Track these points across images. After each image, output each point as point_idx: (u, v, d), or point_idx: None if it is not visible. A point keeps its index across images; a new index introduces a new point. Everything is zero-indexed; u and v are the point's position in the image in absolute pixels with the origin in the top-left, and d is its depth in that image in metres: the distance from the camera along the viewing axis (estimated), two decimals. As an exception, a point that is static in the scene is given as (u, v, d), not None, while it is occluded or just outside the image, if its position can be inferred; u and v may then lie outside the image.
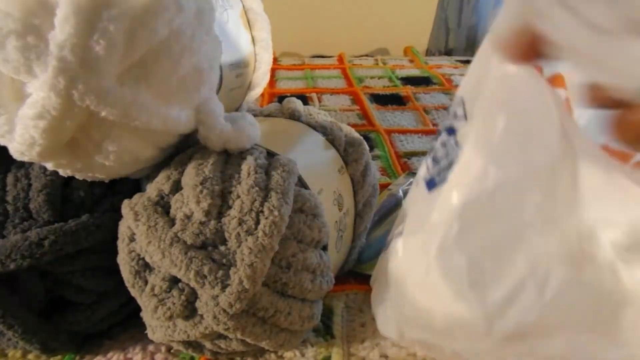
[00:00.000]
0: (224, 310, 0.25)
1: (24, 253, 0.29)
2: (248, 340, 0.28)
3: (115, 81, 0.25)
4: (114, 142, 0.27)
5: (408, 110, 0.91)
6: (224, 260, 0.26)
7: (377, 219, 0.49)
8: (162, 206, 0.29)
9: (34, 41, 0.23)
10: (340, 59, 1.27)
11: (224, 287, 0.25)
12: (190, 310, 0.27)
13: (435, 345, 0.28)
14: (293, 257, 0.28)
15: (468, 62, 1.29)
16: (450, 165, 0.26)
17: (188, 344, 0.30)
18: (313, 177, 0.33)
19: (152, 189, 0.30)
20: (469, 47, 1.50)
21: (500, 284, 0.23)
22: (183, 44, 0.26)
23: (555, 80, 0.27)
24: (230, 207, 0.27)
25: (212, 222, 0.27)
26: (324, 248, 0.32)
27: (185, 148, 0.32)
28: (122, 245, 0.29)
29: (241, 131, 0.31)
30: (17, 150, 0.26)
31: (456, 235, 0.24)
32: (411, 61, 1.29)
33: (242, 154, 0.31)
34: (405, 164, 0.68)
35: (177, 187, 0.29)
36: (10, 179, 0.31)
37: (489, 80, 0.23)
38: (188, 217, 0.27)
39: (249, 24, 0.44)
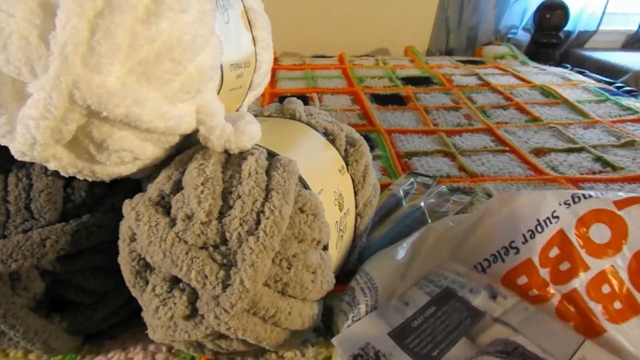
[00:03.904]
0: (225, 310, 0.25)
1: (26, 253, 0.29)
2: (249, 340, 0.28)
3: (116, 81, 0.25)
4: (115, 142, 0.27)
5: (408, 110, 0.91)
6: (225, 261, 0.26)
7: (377, 219, 0.49)
8: (163, 206, 0.29)
9: (36, 41, 0.23)
10: (341, 59, 1.27)
11: (225, 287, 0.25)
12: (191, 310, 0.27)
13: None
14: (294, 257, 0.28)
15: (468, 62, 1.29)
16: None
17: (189, 343, 0.30)
18: (314, 177, 0.33)
19: (152, 189, 0.30)
20: (469, 47, 1.50)
21: None
22: (185, 44, 0.26)
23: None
24: (231, 208, 0.27)
25: (213, 222, 0.27)
26: (325, 248, 0.32)
27: (185, 148, 0.32)
28: (123, 245, 0.29)
29: (242, 131, 0.31)
30: (18, 150, 0.26)
31: None
32: (412, 61, 1.29)
33: (242, 154, 0.31)
34: (405, 163, 0.68)
35: (178, 187, 0.29)
36: (11, 179, 0.31)
37: None
38: (189, 217, 0.27)
39: (250, 24, 0.44)
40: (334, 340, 0.31)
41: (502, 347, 0.30)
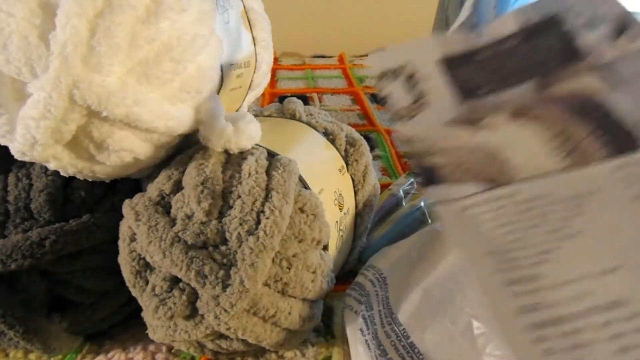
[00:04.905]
0: (225, 310, 0.25)
1: (25, 253, 0.29)
2: (249, 340, 0.28)
3: (117, 81, 0.25)
4: (115, 142, 0.27)
5: (408, 110, 0.91)
6: (225, 260, 0.26)
7: (377, 219, 0.49)
8: (163, 206, 0.29)
9: (35, 41, 0.23)
10: (341, 58, 1.27)
11: (224, 287, 0.25)
12: (191, 310, 0.27)
13: None
14: (294, 257, 0.28)
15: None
16: None
17: (189, 343, 0.30)
18: (314, 177, 0.33)
19: (152, 189, 0.30)
20: (470, 47, 1.50)
21: None
22: (185, 44, 0.26)
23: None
24: (231, 207, 0.27)
25: (213, 222, 0.27)
26: (325, 248, 0.32)
27: (185, 148, 0.32)
28: (122, 245, 0.29)
29: (242, 131, 0.31)
30: (18, 150, 0.26)
31: None
32: (411, 61, 1.29)
33: (242, 154, 0.31)
34: (405, 164, 0.68)
35: (177, 187, 0.29)
36: (11, 179, 0.31)
37: None
38: (189, 217, 0.27)
39: (250, 24, 0.44)
40: (370, 56, 0.25)
41: (577, 103, 0.22)
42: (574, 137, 0.22)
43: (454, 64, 0.25)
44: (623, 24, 0.24)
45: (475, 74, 0.24)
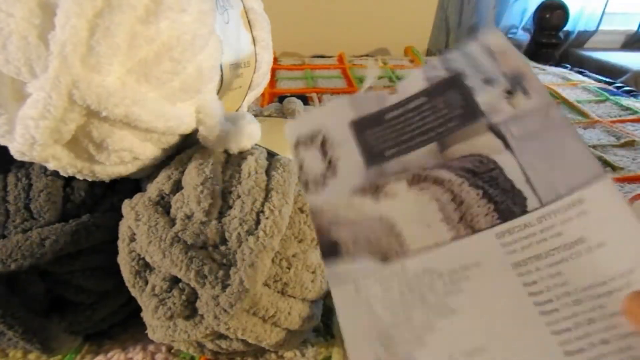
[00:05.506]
0: (225, 310, 0.25)
1: (25, 253, 0.29)
2: (249, 340, 0.28)
3: (116, 81, 0.25)
4: (115, 142, 0.27)
5: (408, 110, 0.91)
6: (225, 260, 0.26)
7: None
8: (163, 206, 0.29)
9: (35, 41, 0.23)
10: (341, 59, 1.27)
11: (224, 287, 0.25)
12: (190, 310, 0.27)
13: None
14: (294, 257, 0.28)
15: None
16: None
17: (189, 343, 0.30)
18: (313, 177, 0.33)
19: (152, 189, 0.30)
20: (469, 47, 1.50)
21: None
22: (184, 44, 0.26)
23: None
24: (230, 207, 0.27)
25: (213, 222, 0.27)
26: (325, 248, 0.32)
27: (185, 148, 0.32)
28: (122, 245, 0.29)
29: (241, 131, 0.31)
30: (18, 150, 0.26)
31: None
32: (411, 61, 1.29)
33: (242, 154, 0.31)
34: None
35: (177, 187, 0.29)
36: (11, 179, 0.31)
37: None
38: (188, 217, 0.27)
39: (250, 24, 0.44)
40: (287, 124, 0.26)
41: (472, 165, 0.24)
42: (466, 201, 0.23)
43: (364, 126, 0.25)
44: (517, 83, 0.25)
45: (382, 136, 0.25)
